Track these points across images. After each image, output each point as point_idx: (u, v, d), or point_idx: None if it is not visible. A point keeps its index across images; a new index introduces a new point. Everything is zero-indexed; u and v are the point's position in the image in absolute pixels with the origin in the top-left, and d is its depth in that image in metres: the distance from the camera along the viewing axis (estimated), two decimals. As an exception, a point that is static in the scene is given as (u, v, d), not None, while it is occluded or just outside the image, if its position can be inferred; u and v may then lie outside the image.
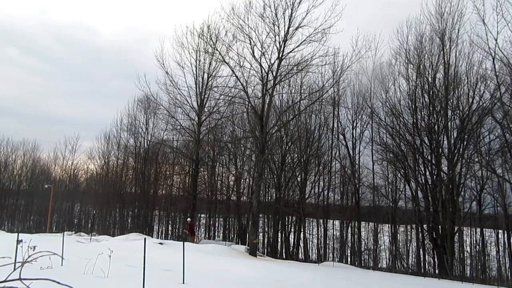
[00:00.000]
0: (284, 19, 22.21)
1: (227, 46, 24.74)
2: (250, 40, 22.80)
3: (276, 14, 22.18)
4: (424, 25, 27.42)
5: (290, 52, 22.82)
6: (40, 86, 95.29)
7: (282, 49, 22.59)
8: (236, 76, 24.16)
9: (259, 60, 23.01)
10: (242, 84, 23.93)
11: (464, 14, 25.60)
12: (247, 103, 25.89)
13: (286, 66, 23.71)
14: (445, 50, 26.09)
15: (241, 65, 23.70)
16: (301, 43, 22.25)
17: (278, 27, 22.35)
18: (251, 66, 23.76)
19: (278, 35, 22.50)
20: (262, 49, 22.91)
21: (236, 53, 23.57)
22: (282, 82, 27.04)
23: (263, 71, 23.30)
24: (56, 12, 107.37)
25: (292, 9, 21.96)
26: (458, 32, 25.88)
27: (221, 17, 23.45)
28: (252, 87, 26.06)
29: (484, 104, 25.11)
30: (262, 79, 23.49)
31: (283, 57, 22.89)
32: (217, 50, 25.21)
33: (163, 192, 44.49)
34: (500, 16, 22.44)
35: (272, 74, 23.23)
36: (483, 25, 22.95)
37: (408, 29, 28.34)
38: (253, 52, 22.94)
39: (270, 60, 23.06)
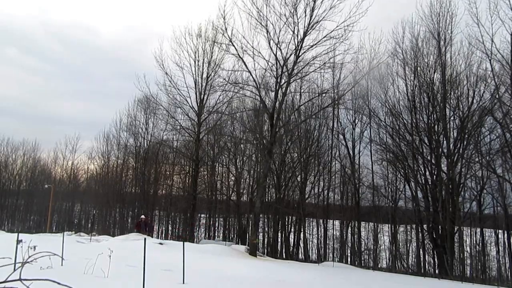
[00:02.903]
0: (306, 12, 20.77)
1: (240, 40, 23.06)
2: (267, 32, 21.36)
3: (295, 6, 20.76)
4: (418, 26, 27.45)
5: (309, 48, 21.46)
6: (40, 86, 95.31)
7: (300, 44, 21.18)
8: (249, 71, 22.86)
9: (274, 53, 21.71)
10: (254, 80, 22.94)
11: (456, 15, 25.66)
12: (258, 98, 24.56)
13: (301, 63, 22.27)
14: (442, 51, 26.08)
15: (254, 59, 22.46)
16: (320, 40, 20.89)
17: (298, 21, 20.94)
18: (268, 62, 22.43)
19: (298, 30, 21.04)
20: (278, 43, 21.51)
21: (251, 46, 22.03)
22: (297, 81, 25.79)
23: (278, 65, 21.98)
24: (56, 12, 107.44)
25: (314, 1, 20.55)
26: (452, 33, 25.95)
27: (238, 7, 21.69)
28: (265, 86, 24.95)
29: (484, 104, 25.10)
30: (277, 75, 22.25)
31: (300, 54, 21.50)
32: (232, 44, 22.71)
33: (163, 192, 44.52)
34: (495, 16, 22.44)
35: (287, 70, 21.94)
36: (478, 26, 22.95)
37: (403, 29, 28.36)
38: (269, 44, 21.58)
39: (286, 54, 21.71)
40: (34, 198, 58.18)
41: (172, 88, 32.97)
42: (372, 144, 32.66)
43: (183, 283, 8.89)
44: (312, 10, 20.70)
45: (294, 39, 21.40)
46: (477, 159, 26.27)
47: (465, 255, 27.49)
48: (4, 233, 30.33)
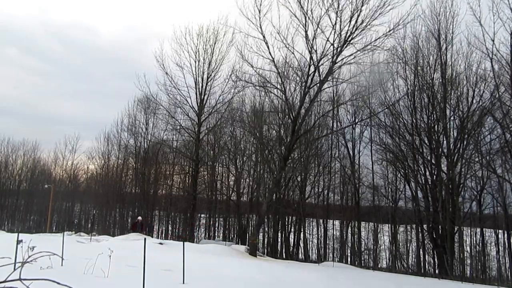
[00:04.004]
0: (352, 17, 19.41)
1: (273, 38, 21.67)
2: (305, 32, 20.03)
3: (338, 9, 19.32)
4: (420, 25, 27.36)
5: (349, 56, 20.09)
6: (40, 86, 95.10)
7: (339, 51, 19.83)
8: (278, 72, 22.07)
9: (309, 50, 20.43)
10: (282, 82, 22.17)
11: (458, 14, 25.63)
12: (283, 99, 23.57)
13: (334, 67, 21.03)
14: (442, 51, 26.05)
15: (286, 58, 21.80)
16: (363, 48, 19.55)
17: (341, 25, 19.56)
18: (304, 64, 21.31)
19: (340, 34, 19.63)
20: (313, 44, 20.17)
21: (284, 45, 20.79)
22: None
23: (312, 67, 20.75)
24: (56, 12, 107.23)
25: (362, 4, 18.99)
26: (453, 33, 25.93)
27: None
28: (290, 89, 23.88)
29: (484, 104, 25.10)
30: (306, 79, 21.17)
31: (337, 60, 20.20)
32: (265, 40, 20.96)
33: (163, 192, 44.52)
34: (497, 16, 22.38)
35: (319, 75, 20.58)
36: (480, 26, 22.90)
37: (404, 29, 28.24)
38: (306, 45, 20.36)
39: (321, 58, 20.39)
40: (34, 198, 58.15)
41: (173, 88, 33.03)
42: (372, 144, 32.70)
43: (183, 283, 8.88)
44: (359, 13, 19.25)
45: (333, 44, 20.09)
46: (477, 159, 26.27)
47: (465, 255, 27.48)
48: (4, 233, 30.34)
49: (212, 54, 33.02)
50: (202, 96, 33.28)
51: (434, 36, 26.36)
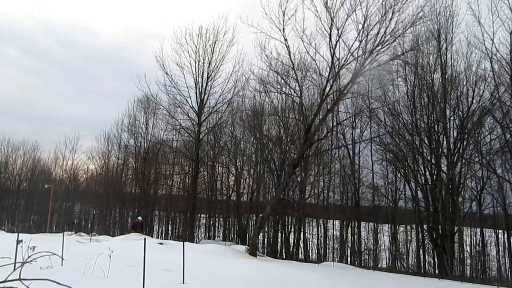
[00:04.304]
0: (378, 33, 18.94)
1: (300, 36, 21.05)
2: (329, 39, 19.71)
3: (364, 25, 18.86)
4: (419, 26, 27.32)
5: (374, 68, 19.87)
6: (40, 86, 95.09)
7: (362, 63, 19.54)
8: (296, 79, 21.88)
9: (332, 54, 20.05)
10: (300, 89, 22.17)
11: (458, 15, 25.67)
12: (298, 104, 23.54)
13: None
14: (442, 51, 26.06)
15: (305, 64, 21.84)
16: (388, 60, 19.60)
17: (367, 37, 19.17)
18: (324, 72, 21.07)
19: (365, 46, 19.22)
20: (336, 52, 19.89)
21: (307, 50, 20.57)
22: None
23: (333, 71, 20.47)
24: (56, 12, 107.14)
25: (393, 12, 18.58)
26: (453, 33, 25.95)
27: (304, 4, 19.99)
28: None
29: (484, 104, 25.12)
30: (325, 86, 20.98)
31: (361, 73, 20.00)
32: (286, 44, 20.67)
33: (163, 192, 44.51)
34: (496, 16, 22.46)
35: (339, 85, 20.34)
36: (479, 26, 22.96)
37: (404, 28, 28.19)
38: (330, 51, 20.04)
39: (341, 67, 20.02)
40: (34, 198, 58.15)
41: (173, 88, 33.13)
42: (372, 144, 32.69)
43: (183, 283, 8.88)
44: (386, 29, 18.94)
45: (353, 52, 19.87)
46: (477, 159, 26.29)
47: (465, 255, 27.49)
48: (4, 233, 30.34)
49: (212, 54, 33.15)
50: (202, 96, 33.35)
51: (434, 36, 26.36)
